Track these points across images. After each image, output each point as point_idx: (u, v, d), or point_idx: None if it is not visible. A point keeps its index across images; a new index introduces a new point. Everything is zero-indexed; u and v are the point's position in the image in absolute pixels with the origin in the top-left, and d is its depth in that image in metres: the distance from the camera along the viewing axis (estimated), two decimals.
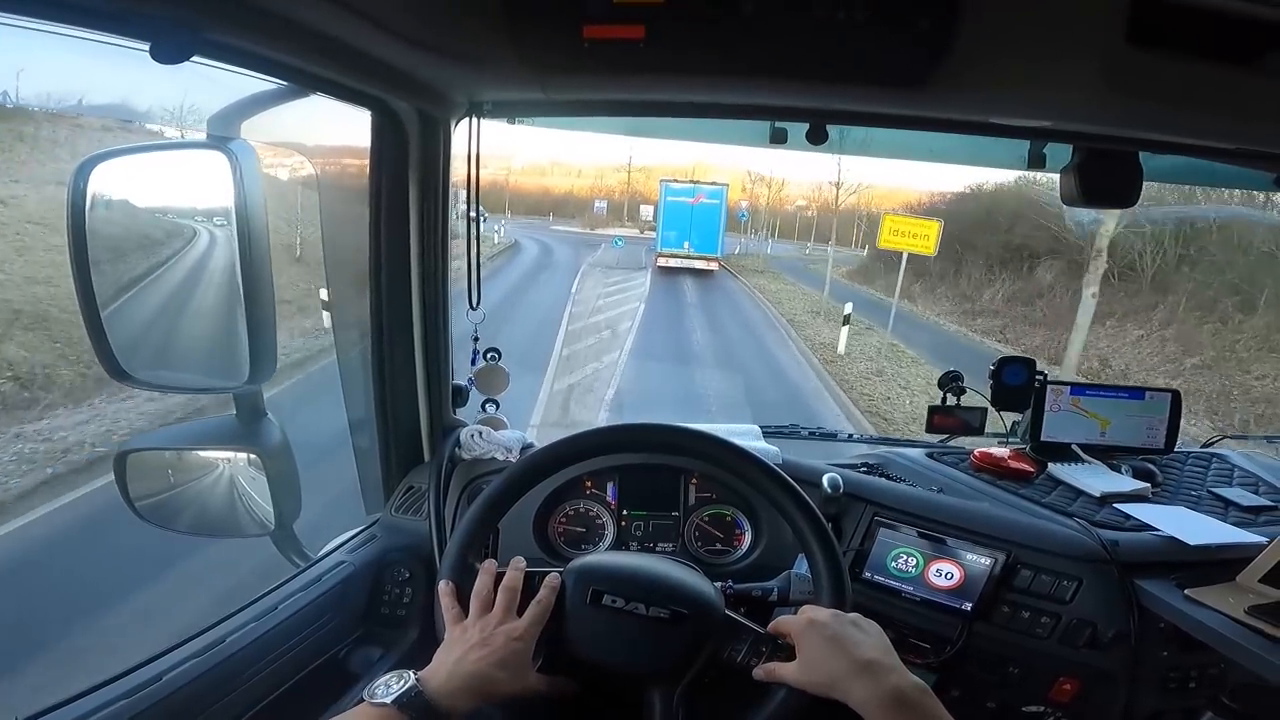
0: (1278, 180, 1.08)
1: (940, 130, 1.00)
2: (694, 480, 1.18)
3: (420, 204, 1.05)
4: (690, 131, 1.33)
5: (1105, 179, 1.06)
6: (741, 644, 0.78)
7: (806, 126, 1.02)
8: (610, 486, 1.18)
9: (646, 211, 34.00)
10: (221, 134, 0.82)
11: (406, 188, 1.03)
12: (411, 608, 1.06)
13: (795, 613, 0.78)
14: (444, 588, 0.78)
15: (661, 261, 19.99)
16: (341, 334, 1.11)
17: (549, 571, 0.80)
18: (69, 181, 0.74)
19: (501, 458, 1.17)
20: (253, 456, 0.92)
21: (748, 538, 1.17)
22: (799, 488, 0.86)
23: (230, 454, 0.95)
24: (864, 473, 1.27)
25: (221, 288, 0.85)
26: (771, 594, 0.89)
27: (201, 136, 0.82)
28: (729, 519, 1.19)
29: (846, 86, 0.82)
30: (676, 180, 21.57)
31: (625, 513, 1.17)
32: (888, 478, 1.28)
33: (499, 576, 0.79)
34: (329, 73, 0.81)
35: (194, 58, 0.61)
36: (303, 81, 0.81)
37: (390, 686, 0.67)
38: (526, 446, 1.20)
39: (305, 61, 0.75)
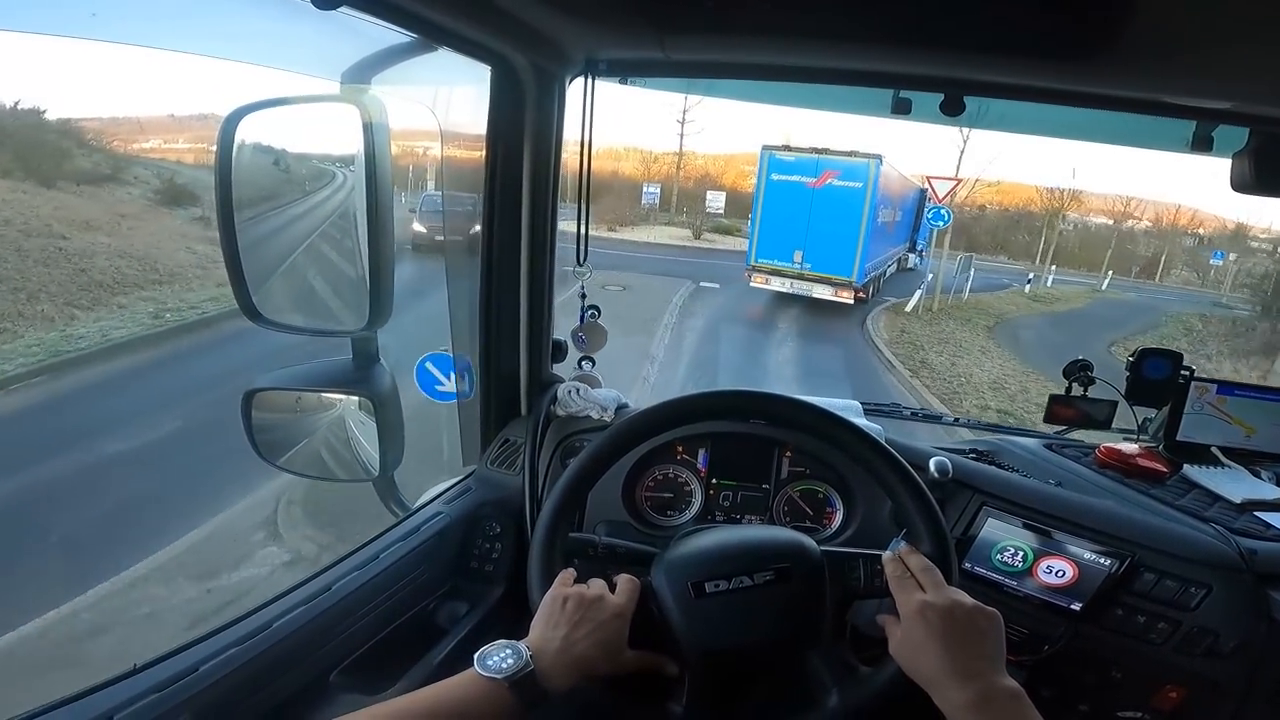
0: None
1: (1100, 107, 0.93)
2: (788, 453, 1.15)
3: (533, 160, 1.05)
4: (808, 99, 1.27)
5: None
6: (855, 569, 0.77)
7: (939, 97, 0.95)
8: (702, 453, 1.16)
9: (715, 201, 26.54)
10: (355, 86, 0.84)
11: (521, 144, 1.04)
12: (500, 564, 1.07)
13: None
14: (564, 576, 0.76)
15: (757, 280, 12.35)
16: (454, 285, 1.13)
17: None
18: (219, 130, 0.78)
19: (596, 416, 1.17)
20: (364, 401, 0.96)
21: (839, 516, 1.14)
22: (909, 467, 0.82)
23: (344, 396, 0.99)
24: (973, 459, 1.21)
25: (346, 235, 0.89)
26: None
27: (336, 89, 0.85)
28: (821, 495, 1.15)
29: (994, 56, 0.77)
30: (788, 148, 12.30)
31: (715, 481, 1.16)
32: (999, 466, 1.21)
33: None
34: (455, 24, 0.81)
35: (342, 8, 0.63)
36: (430, 34, 0.82)
37: (504, 660, 0.64)
38: (622, 407, 1.20)
39: (434, 11, 0.76)
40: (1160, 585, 0.97)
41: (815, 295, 11.85)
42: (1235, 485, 1.14)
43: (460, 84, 1.01)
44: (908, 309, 12.50)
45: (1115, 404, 1.28)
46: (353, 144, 0.83)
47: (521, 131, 1.03)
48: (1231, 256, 26.92)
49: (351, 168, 0.86)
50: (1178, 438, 1.23)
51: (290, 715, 0.75)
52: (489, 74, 0.99)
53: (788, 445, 1.15)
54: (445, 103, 1.01)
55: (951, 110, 0.97)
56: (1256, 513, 1.08)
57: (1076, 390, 1.29)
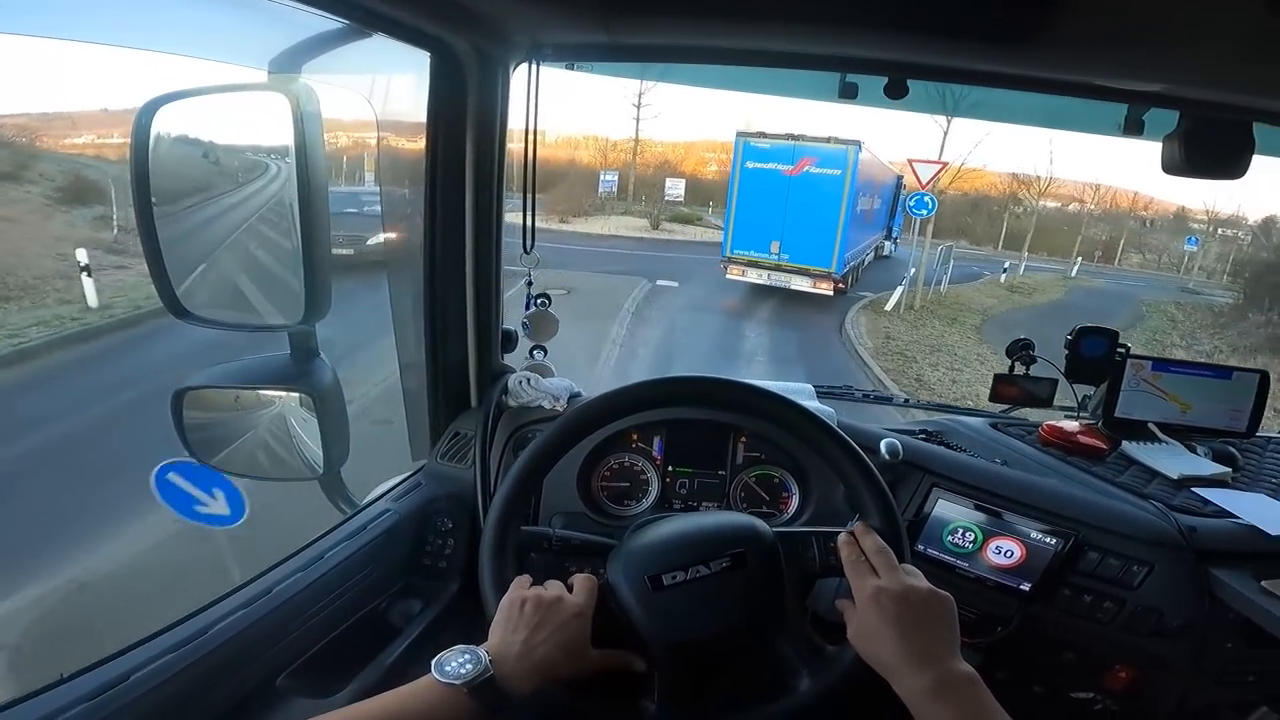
0: None
1: (1037, 90, 0.94)
2: (743, 438, 1.16)
3: (477, 148, 1.03)
4: (757, 83, 1.28)
5: (1212, 149, 0.99)
6: (810, 549, 0.78)
7: (884, 81, 0.96)
8: (657, 441, 1.16)
9: (674, 188, 25.65)
10: (284, 75, 0.82)
11: (464, 132, 1.02)
12: (454, 560, 1.05)
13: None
14: (521, 581, 0.75)
15: (733, 273, 12.07)
16: (395, 276, 1.11)
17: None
18: (133, 121, 0.75)
19: (549, 405, 1.16)
20: (304, 397, 0.93)
21: (795, 501, 1.15)
22: (859, 449, 0.83)
23: (283, 393, 0.96)
24: (922, 439, 1.23)
25: (278, 227, 0.86)
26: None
27: (264, 78, 0.82)
28: (777, 480, 1.16)
29: (936, 40, 0.77)
30: (763, 135, 11.86)
31: (671, 469, 1.16)
32: (948, 446, 1.24)
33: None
34: (389, 8, 0.79)
35: None
36: (362, 19, 0.80)
37: (463, 666, 0.63)
38: (575, 395, 1.19)
39: None
40: (1104, 564, 1.00)
41: (793, 287, 11.57)
42: (1172, 461, 1.19)
43: (399, 71, 0.98)
44: (888, 307, 11.68)
45: (1056, 382, 1.32)
46: (285, 134, 0.81)
47: (464, 119, 1.01)
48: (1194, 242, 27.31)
49: (287, 159, 0.83)
50: (1116, 414, 1.27)
51: None
52: (428, 60, 0.96)
53: (743, 431, 1.15)
54: (383, 90, 0.99)
55: (895, 94, 0.98)
56: (1194, 489, 1.12)
57: (1019, 369, 1.32)
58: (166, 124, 0.76)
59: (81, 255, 6.98)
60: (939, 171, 11.58)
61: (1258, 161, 1.04)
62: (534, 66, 1.03)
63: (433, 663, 0.64)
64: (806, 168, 11.59)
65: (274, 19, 0.79)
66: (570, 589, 0.74)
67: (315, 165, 0.79)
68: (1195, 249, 26.58)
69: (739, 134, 12.10)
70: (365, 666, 0.87)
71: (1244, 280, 17.40)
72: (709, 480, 1.16)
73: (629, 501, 1.16)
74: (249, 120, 0.87)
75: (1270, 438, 1.35)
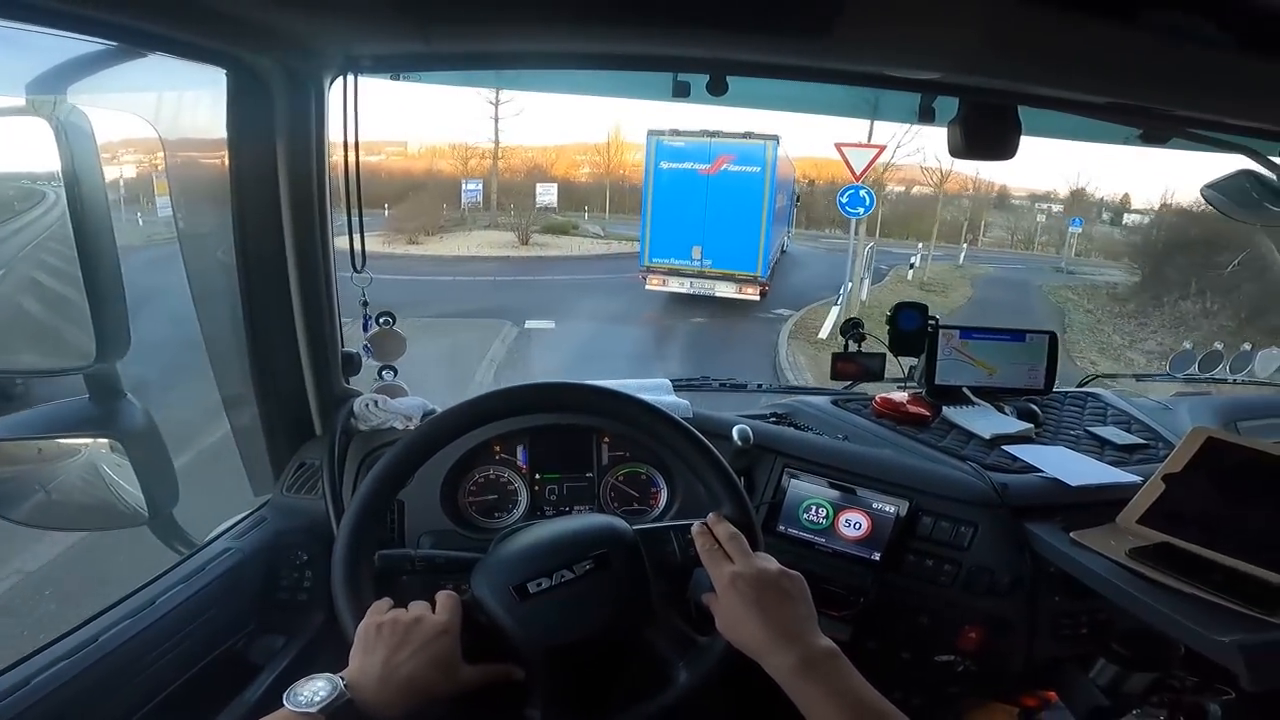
0: (1142, 135, 1.12)
1: (838, 82, 1.00)
2: (606, 439, 1.17)
3: (291, 167, 0.99)
4: (591, 86, 1.30)
5: (986, 132, 1.08)
6: (668, 542, 0.80)
7: (707, 78, 1.00)
8: (520, 450, 1.15)
9: (546, 194, 25.02)
10: (44, 99, 0.76)
11: (274, 153, 0.98)
12: (314, 591, 1.02)
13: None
14: (379, 606, 0.74)
15: (654, 283, 11.29)
16: (205, 309, 1.05)
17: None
18: None
19: (401, 426, 1.13)
20: (113, 442, 0.88)
21: (664, 495, 1.17)
22: (704, 439, 0.86)
23: (87, 440, 0.90)
24: (773, 423, 1.28)
25: (65, 257, 0.80)
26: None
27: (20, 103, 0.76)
28: (644, 477, 1.18)
29: (748, 35, 0.80)
30: (677, 133, 11.06)
31: (538, 476, 1.15)
32: (796, 427, 1.29)
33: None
34: (166, 29, 0.75)
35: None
36: (135, 40, 0.76)
37: (316, 693, 0.62)
38: (429, 413, 1.16)
39: (133, 18, 0.69)
40: (937, 527, 1.06)
41: (718, 294, 10.93)
42: (985, 422, 1.29)
43: (189, 87, 0.93)
44: (823, 335, 9.67)
45: (884, 355, 1.42)
46: (50, 161, 0.75)
47: (272, 137, 0.97)
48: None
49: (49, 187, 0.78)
50: (935, 382, 1.37)
51: None
52: (223, 77, 0.92)
53: (604, 431, 1.16)
54: (172, 109, 0.93)
55: (715, 91, 1.01)
56: (1004, 447, 1.22)
57: (853, 347, 1.42)
58: None
59: None
60: (875, 157, 9.85)
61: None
62: (350, 79, 1.00)
63: (285, 693, 0.62)
64: (724, 165, 10.96)
65: (25, 47, 0.74)
66: (434, 608, 0.73)
67: (91, 192, 0.74)
68: (1079, 230, 26.58)
69: (651, 133, 11.29)
70: (224, 708, 0.85)
71: (1145, 259, 17.13)
72: (577, 484, 1.16)
73: (499, 514, 1.14)
74: (14, 147, 0.80)
75: (1067, 392, 1.49)
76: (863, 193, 9.65)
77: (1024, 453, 1.20)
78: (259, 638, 0.97)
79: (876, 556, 1.06)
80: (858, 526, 1.08)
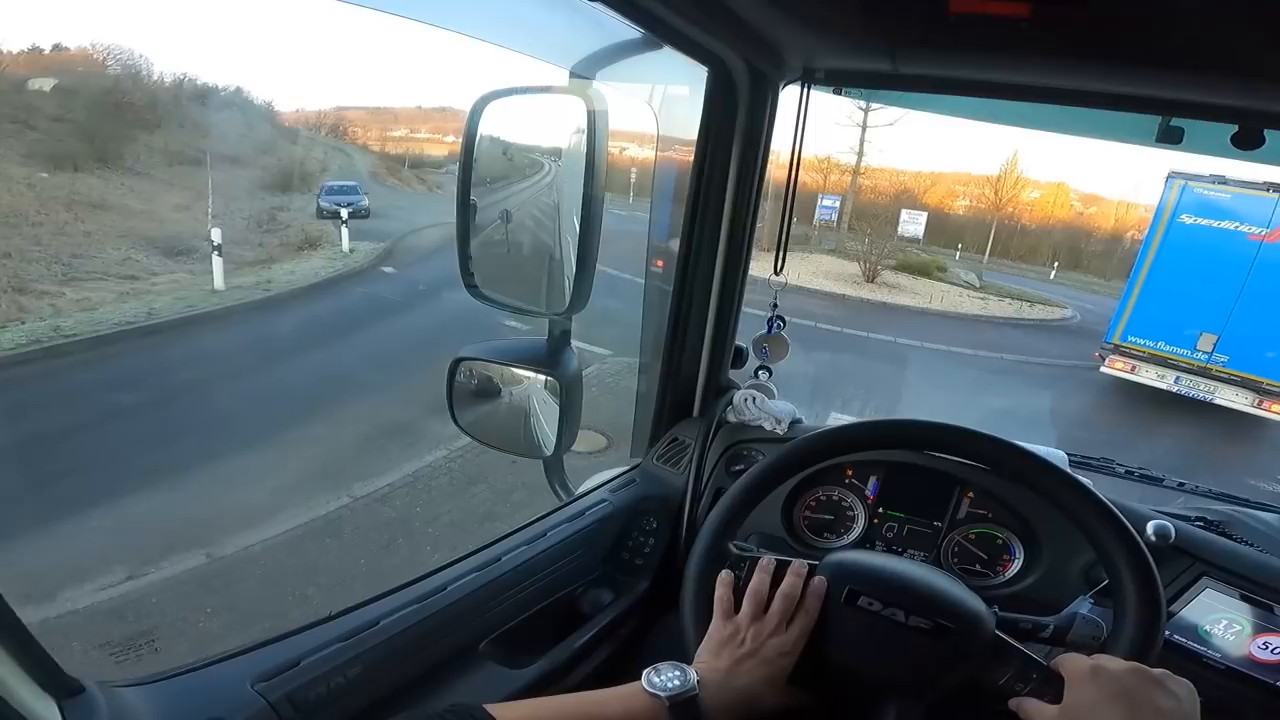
0: None
1: None
2: (970, 494, 1.06)
3: (740, 166, 1.05)
4: (1048, 120, 1.16)
5: None
6: (1007, 670, 0.69)
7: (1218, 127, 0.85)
8: (873, 480, 1.10)
9: (913, 222, 21.12)
10: (581, 80, 0.88)
11: (730, 149, 1.04)
12: (650, 558, 1.08)
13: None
14: (725, 577, 0.76)
15: (1116, 366, 8.18)
16: (650, 285, 1.17)
17: (791, 562, 0.76)
18: (466, 115, 0.85)
19: (769, 427, 1.15)
20: (551, 381, 0.99)
21: (1016, 565, 1.04)
22: (1130, 526, 0.73)
23: (533, 375, 1.04)
24: (1200, 527, 1.04)
25: (543, 225, 0.93)
26: (1046, 630, 0.75)
27: (565, 78, 0.89)
28: (1001, 541, 1.05)
29: None
30: (1222, 181, 7.74)
31: (881, 510, 1.10)
32: (1229, 538, 1.03)
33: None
34: (682, 22, 0.83)
35: None
36: (658, 30, 0.84)
37: (670, 680, 0.65)
38: (796, 421, 1.17)
39: (665, 8, 0.77)
40: None
41: (1217, 401, 7.59)
42: None
43: (674, 84, 1.03)
44: None
45: None
46: (563, 137, 0.87)
47: (731, 136, 1.03)
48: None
49: (558, 160, 0.90)
50: None
51: (440, 677, 0.78)
52: (704, 77, 0.99)
53: (970, 485, 1.06)
54: (662, 103, 1.04)
55: (1245, 144, 0.86)
56: None
57: None
58: (489, 117, 0.85)
59: (216, 235, 7.58)
60: None
61: None
62: (805, 89, 1.02)
63: (644, 671, 0.66)
64: None
65: (575, 17, 0.84)
66: (804, 592, 0.73)
67: (599, 168, 0.85)
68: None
69: (1173, 174, 8.00)
70: (554, 646, 0.91)
71: None
72: (921, 529, 1.08)
73: (829, 535, 1.11)
74: (544, 121, 0.95)
75: None
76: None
77: None
78: (593, 589, 1.03)
79: None
80: (1276, 651, 0.90)
